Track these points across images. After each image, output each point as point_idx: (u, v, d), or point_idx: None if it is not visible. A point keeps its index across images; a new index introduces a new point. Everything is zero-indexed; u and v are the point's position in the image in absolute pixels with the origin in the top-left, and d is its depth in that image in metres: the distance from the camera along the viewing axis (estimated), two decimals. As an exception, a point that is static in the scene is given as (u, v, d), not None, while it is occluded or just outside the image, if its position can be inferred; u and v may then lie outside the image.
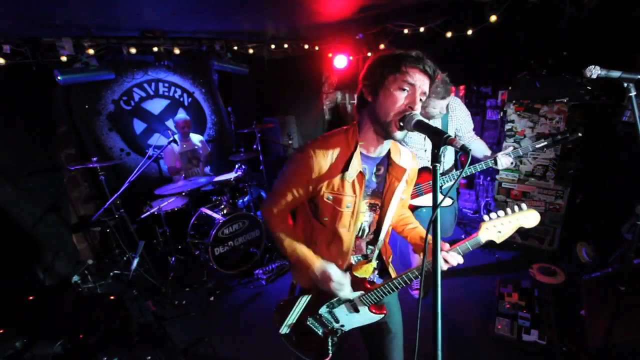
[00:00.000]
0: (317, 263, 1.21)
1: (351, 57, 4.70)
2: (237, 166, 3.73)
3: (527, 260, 3.00)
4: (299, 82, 5.06)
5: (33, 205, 3.13)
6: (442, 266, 1.13)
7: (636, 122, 1.40)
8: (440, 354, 0.68)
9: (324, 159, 1.14)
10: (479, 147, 2.30)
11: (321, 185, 1.17)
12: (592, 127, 2.94)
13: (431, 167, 0.79)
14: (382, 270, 1.42)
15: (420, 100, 1.04)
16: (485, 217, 1.16)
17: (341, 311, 1.31)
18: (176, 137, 3.51)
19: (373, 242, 1.33)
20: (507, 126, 3.20)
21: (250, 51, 4.37)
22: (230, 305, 2.98)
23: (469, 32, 3.32)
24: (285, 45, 4.67)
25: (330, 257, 1.26)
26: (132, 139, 3.95)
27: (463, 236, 1.56)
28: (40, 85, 3.13)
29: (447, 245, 1.16)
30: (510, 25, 3.17)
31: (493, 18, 3.05)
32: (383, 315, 1.30)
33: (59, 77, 2.93)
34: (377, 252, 1.32)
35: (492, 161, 2.08)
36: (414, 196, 2.24)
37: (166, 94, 4.13)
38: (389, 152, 1.23)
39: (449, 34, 3.46)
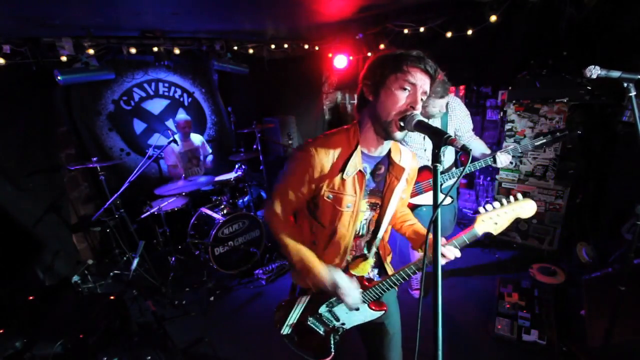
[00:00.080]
0: (325, 272, 1.18)
1: (351, 57, 4.70)
2: (237, 166, 3.74)
3: (527, 260, 2.99)
4: (299, 82, 5.06)
5: (33, 205, 3.13)
6: (440, 261, 1.13)
7: (636, 122, 1.40)
8: (440, 354, 0.67)
9: (326, 157, 1.14)
10: (478, 147, 2.31)
11: (322, 184, 1.17)
12: (592, 127, 2.94)
13: (431, 166, 0.79)
14: (380, 269, 1.42)
15: (421, 99, 1.04)
16: (481, 209, 1.16)
17: (341, 309, 1.31)
18: (177, 137, 3.51)
19: (371, 241, 1.33)
20: (507, 126, 3.21)
21: (250, 51, 4.37)
22: (230, 305, 2.98)
23: (469, 32, 3.32)
24: (285, 45, 4.66)
25: (329, 257, 1.26)
26: (132, 139, 3.95)
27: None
28: (40, 85, 3.13)
29: (443, 240, 1.16)
30: (510, 25, 3.17)
31: (493, 18, 3.05)
32: (384, 311, 1.30)
33: (59, 77, 2.93)
34: (374, 250, 1.33)
35: (491, 159, 2.09)
36: (413, 194, 2.24)
37: (166, 94, 4.13)
38: (389, 151, 1.23)
39: (449, 34, 3.46)
